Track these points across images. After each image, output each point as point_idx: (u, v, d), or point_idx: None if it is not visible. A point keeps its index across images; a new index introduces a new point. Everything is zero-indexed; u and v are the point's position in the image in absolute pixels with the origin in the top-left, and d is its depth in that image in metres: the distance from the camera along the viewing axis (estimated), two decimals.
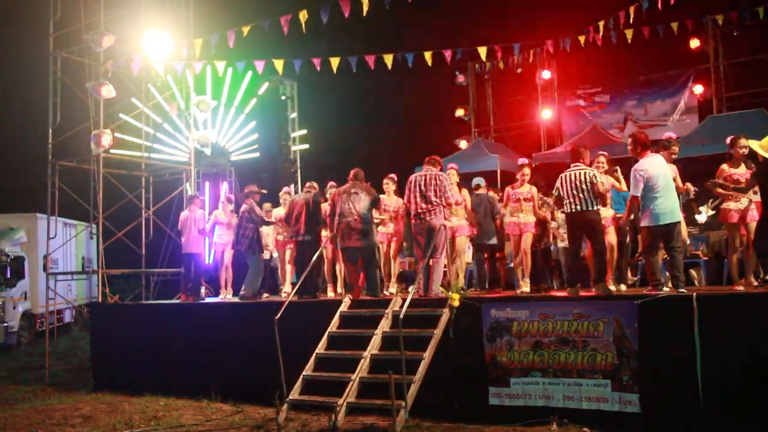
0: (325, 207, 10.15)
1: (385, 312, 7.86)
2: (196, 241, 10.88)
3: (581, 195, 7.72)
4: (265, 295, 10.85)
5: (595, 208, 7.75)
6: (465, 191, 9.68)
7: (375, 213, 9.75)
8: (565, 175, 7.93)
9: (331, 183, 10.63)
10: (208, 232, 11.45)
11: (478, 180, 10.11)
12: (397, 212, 10.06)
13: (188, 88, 13.99)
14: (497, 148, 18.35)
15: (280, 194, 11.46)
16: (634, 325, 6.56)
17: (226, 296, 11.33)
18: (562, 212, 8.27)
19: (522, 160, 9.66)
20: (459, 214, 9.57)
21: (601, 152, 9.12)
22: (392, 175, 10.31)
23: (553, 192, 8.13)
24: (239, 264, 11.60)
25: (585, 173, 7.81)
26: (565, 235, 9.06)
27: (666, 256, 7.54)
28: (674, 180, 7.57)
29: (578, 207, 7.74)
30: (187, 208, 11.16)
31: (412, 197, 8.62)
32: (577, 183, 7.76)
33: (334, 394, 7.25)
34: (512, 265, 9.97)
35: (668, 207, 7.12)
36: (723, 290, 7.86)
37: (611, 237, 8.50)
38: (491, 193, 10.07)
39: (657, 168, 7.22)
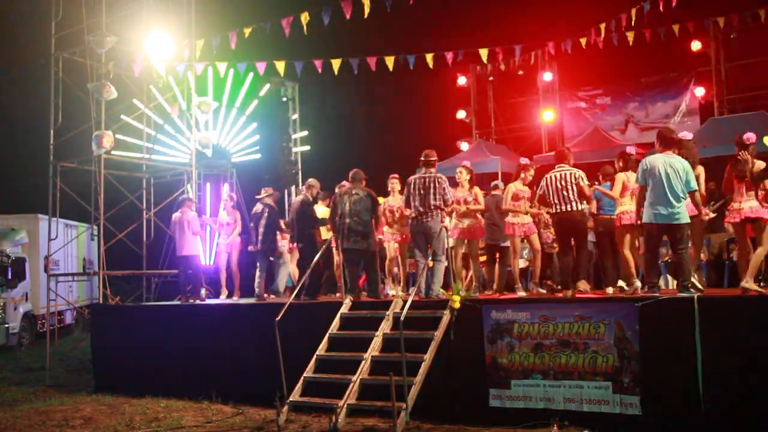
0: (326, 211, 10.15)
1: (386, 314, 7.86)
2: (190, 244, 10.87)
3: (566, 196, 7.85)
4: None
5: (579, 208, 7.90)
6: (477, 189, 9.38)
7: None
8: (550, 176, 8.05)
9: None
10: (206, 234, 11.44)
11: (497, 181, 10.08)
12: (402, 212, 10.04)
13: (189, 89, 13.99)
14: (498, 150, 18.37)
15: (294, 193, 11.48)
16: (635, 327, 6.55)
17: (232, 297, 11.24)
18: (548, 212, 8.36)
19: (524, 160, 9.57)
20: (470, 214, 9.27)
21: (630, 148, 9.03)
22: (396, 175, 10.21)
23: (538, 191, 8.23)
24: (240, 264, 11.58)
25: (570, 174, 7.93)
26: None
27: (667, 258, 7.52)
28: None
29: (563, 207, 7.89)
30: (179, 210, 11.15)
31: (411, 200, 8.62)
32: (562, 183, 7.88)
33: (335, 395, 7.25)
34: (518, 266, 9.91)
35: (668, 207, 6.97)
36: (724, 292, 7.85)
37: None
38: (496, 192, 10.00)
39: (661, 163, 7.05)
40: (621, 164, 8.54)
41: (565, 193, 7.87)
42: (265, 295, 10.45)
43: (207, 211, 12.52)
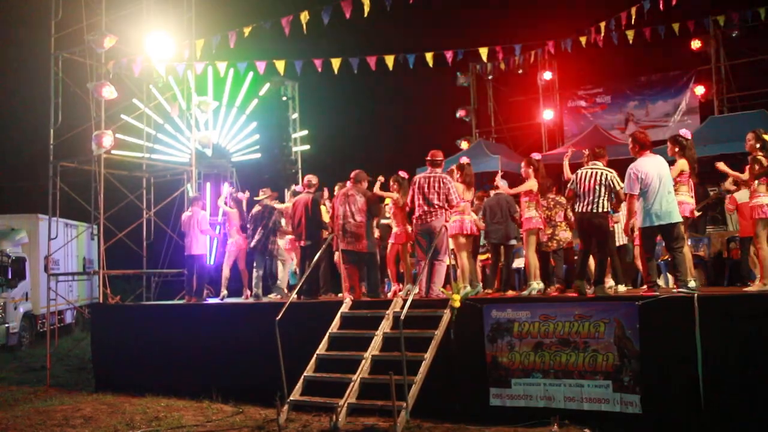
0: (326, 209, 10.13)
1: (386, 313, 7.85)
2: (199, 242, 10.85)
3: (594, 195, 7.59)
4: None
5: (604, 210, 7.62)
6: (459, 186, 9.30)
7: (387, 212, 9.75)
8: (581, 172, 7.78)
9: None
10: (219, 234, 11.38)
11: (499, 180, 10.00)
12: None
13: (189, 88, 14.00)
14: (498, 149, 18.36)
15: (288, 192, 11.43)
16: (636, 326, 6.55)
17: (242, 297, 11.14)
18: (573, 209, 8.19)
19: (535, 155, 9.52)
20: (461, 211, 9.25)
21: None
22: (401, 173, 10.19)
23: (570, 186, 7.95)
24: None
25: (604, 174, 7.65)
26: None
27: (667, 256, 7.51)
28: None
29: (588, 207, 7.62)
30: (189, 209, 11.14)
31: (415, 199, 8.61)
32: (592, 183, 7.61)
33: (335, 394, 7.25)
34: (522, 265, 9.90)
35: (664, 208, 7.02)
36: (724, 291, 7.85)
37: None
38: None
39: (653, 168, 7.12)
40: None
41: (592, 192, 7.59)
42: (271, 294, 10.41)
43: (207, 211, 12.51)
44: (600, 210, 7.60)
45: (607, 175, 7.65)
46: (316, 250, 9.43)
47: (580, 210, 7.73)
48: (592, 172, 7.70)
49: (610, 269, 8.65)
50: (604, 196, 7.58)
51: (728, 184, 9.22)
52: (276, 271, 11.03)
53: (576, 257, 8.72)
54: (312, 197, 9.86)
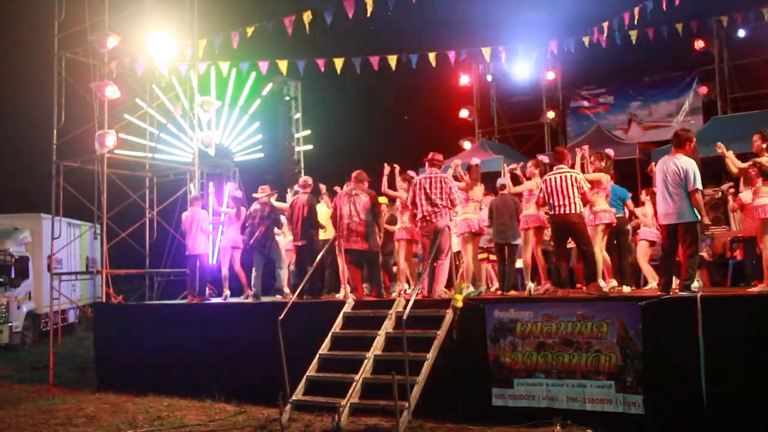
0: (329, 211, 10.12)
1: (389, 313, 7.86)
2: (201, 242, 10.86)
3: (565, 197, 7.83)
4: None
5: (578, 210, 7.89)
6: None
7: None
8: (549, 178, 8.05)
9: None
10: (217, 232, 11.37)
11: (503, 180, 9.99)
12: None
13: (192, 88, 14.01)
14: (501, 149, 18.35)
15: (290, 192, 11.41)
16: (638, 327, 6.55)
17: (243, 297, 11.11)
18: (547, 213, 8.35)
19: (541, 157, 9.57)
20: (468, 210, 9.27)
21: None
22: (410, 173, 10.11)
23: (538, 193, 8.25)
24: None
25: (569, 176, 7.93)
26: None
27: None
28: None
29: (562, 209, 7.85)
30: (189, 209, 11.14)
31: (417, 199, 8.61)
32: (561, 185, 7.87)
33: (338, 394, 7.26)
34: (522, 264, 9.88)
35: (662, 209, 7.10)
36: (727, 291, 7.84)
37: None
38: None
39: (661, 167, 7.18)
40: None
41: (565, 194, 7.83)
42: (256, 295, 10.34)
43: (210, 210, 12.50)
44: (573, 210, 7.82)
45: (575, 176, 7.92)
46: (310, 249, 9.46)
47: (553, 213, 7.97)
48: (560, 176, 7.95)
49: (613, 269, 8.66)
50: (577, 197, 7.82)
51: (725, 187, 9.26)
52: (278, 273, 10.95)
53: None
54: (307, 197, 9.88)
